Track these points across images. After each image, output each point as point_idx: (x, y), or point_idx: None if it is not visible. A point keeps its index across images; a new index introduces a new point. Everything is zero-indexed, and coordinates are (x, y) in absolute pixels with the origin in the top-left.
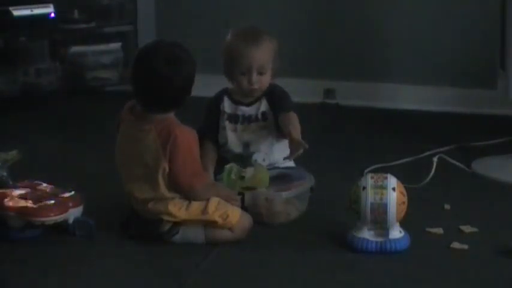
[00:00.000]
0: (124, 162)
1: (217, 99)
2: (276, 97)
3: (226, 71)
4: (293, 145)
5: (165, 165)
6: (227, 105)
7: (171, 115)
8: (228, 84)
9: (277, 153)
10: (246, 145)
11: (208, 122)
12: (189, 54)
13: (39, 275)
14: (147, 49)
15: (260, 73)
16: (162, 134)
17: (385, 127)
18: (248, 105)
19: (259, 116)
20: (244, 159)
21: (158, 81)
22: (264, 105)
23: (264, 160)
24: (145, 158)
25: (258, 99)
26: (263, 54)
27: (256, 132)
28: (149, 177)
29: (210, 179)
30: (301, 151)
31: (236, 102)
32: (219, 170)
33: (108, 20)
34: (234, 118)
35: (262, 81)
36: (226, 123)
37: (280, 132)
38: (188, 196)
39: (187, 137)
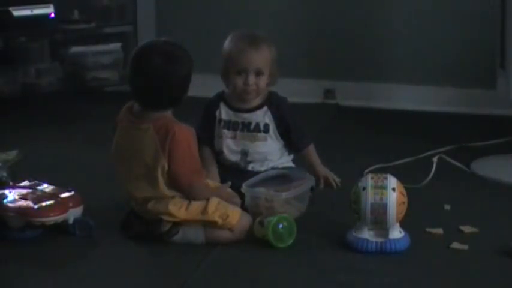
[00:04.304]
0: (123, 161)
1: (213, 105)
2: (290, 128)
3: (223, 73)
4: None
5: (164, 163)
6: (224, 112)
7: (169, 113)
8: (224, 88)
9: (275, 162)
10: (244, 154)
11: (203, 127)
12: (186, 52)
13: (39, 275)
14: (144, 48)
15: (257, 75)
16: (161, 132)
17: (385, 127)
18: (248, 111)
19: (261, 127)
20: (241, 168)
21: (157, 79)
22: (268, 118)
23: (260, 167)
24: (145, 157)
25: (259, 107)
26: (261, 56)
27: (255, 142)
28: (149, 175)
29: (216, 179)
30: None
31: (235, 109)
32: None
33: (108, 20)
34: (233, 125)
35: (258, 84)
36: (224, 131)
37: (281, 143)
38: (187, 194)
39: (186, 134)
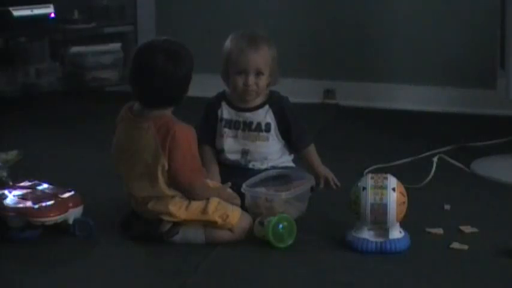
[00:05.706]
0: (123, 161)
1: (214, 104)
2: (291, 127)
3: (223, 73)
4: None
5: (165, 162)
6: (226, 112)
7: (169, 113)
8: (225, 87)
9: (275, 161)
10: (245, 153)
11: (205, 127)
12: (187, 50)
13: (39, 275)
14: (145, 47)
15: (257, 75)
16: (161, 131)
17: (385, 127)
18: (250, 110)
19: (263, 127)
20: (242, 166)
21: (157, 78)
22: (269, 117)
23: (261, 165)
24: (145, 156)
25: (260, 106)
26: (261, 57)
27: (256, 141)
28: (149, 174)
29: (217, 179)
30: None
31: (236, 109)
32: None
33: (108, 20)
34: (234, 124)
35: (258, 84)
36: (225, 130)
37: (282, 142)
38: (187, 193)
39: (186, 133)
